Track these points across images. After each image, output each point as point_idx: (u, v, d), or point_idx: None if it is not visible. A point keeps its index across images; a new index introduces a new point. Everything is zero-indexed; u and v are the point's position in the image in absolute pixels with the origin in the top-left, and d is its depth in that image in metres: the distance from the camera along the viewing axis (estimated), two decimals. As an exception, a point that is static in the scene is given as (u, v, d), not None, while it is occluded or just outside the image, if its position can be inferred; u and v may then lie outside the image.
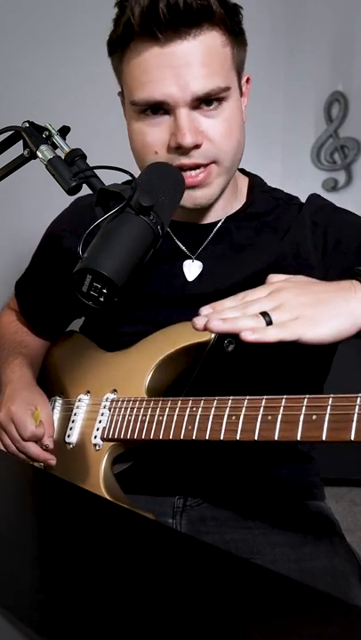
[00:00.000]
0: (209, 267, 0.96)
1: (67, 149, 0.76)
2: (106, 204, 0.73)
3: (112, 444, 0.93)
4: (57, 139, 0.77)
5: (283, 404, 0.73)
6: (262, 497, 1.01)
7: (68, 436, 1.00)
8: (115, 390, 0.96)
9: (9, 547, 0.55)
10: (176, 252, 0.98)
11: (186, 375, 0.92)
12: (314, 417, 0.69)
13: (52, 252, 1.11)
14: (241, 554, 0.94)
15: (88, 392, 1.01)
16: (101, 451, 0.93)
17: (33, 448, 0.96)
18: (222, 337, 0.88)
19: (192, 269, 0.97)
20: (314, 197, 1.01)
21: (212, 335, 0.88)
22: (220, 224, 0.96)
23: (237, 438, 0.76)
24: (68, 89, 1.98)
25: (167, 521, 1.00)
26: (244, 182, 1.01)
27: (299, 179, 2.45)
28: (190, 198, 0.89)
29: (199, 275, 0.96)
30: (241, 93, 0.91)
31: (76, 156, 0.75)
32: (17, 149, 0.80)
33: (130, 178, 0.73)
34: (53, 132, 0.77)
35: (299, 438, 0.70)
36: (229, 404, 0.79)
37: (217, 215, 0.96)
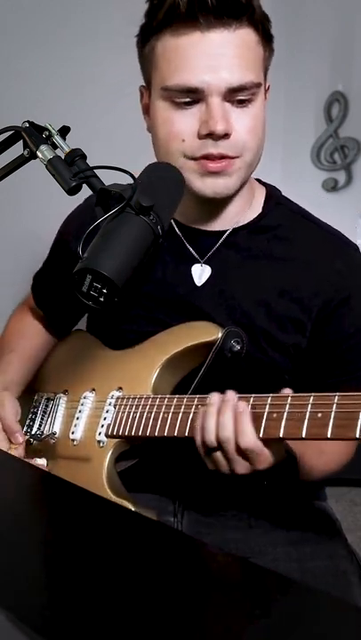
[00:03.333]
0: (218, 272, 0.96)
1: (67, 149, 0.76)
2: (106, 204, 0.73)
3: (116, 440, 0.93)
4: (57, 139, 0.77)
5: (288, 401, 0.73)
6: (263, 496, 1.01)
7: (73, 433, 1.00)
8: (120, 388, 0.97)
9: (10, 547, 0.55)
10: (185, 256, 0.97)
11: (192, 375, 0.92)
12: (319, 415, 0.70)
13: (66, 248, 1.10)
14: (241, 553, 0.95)
15: (93, 390, 1.01)
16: (105, 447, 0.93)
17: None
18: (229, 336, 0.89)
19: (201, 274, 0.96)
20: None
21: (220, 334, 0.88)
22: (229, 232, 0.96)
23: None
24: (68, 89, 1.98)
25: (168, 520, 1.00)
26: (260, 192, 1.00)
27: (299, 179, 2.44)
28: (211, 185, 0.88)
29: (208, 279, 0.96)
30: (265, 96, 0.91)
31: (76, 155, 0.75)
32: (17, 149, 0.80)
33: (130, 178, 0.73)
34: (53, 132, 0.77)
35: (304, 436, 0.71)
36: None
37: (228, 221, 0.96)
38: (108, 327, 1.06)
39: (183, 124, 0.86)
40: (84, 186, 0.75)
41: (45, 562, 0.53)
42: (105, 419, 0.95)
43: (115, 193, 0.71)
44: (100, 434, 0.95)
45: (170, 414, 0.85)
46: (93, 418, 0.98)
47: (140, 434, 0.88)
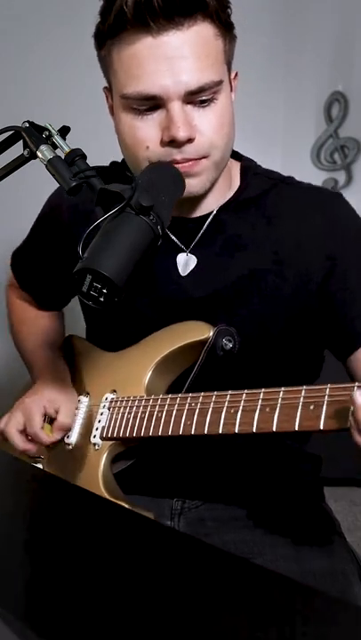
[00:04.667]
0: (203, 261, 0.94)
1: (67, 149, 0.76)
2: (106, 204, 0.73)
3: (111, 443, 0.93)
4: (57, 139, 0.77)
5: (281, 395, 0.73)
6: (262, 497, 1.01)
7: (68, 437, 1.00)
8: (114, 391, 0.97)
9: (8, 547, 0.55)
10: (169, 246, 0.96)
11: (185, 375, 0.92)
12: (311, 407, 0.70)
13: (50, 226, 1.09)
14: (240, 554, 0.94)
15: (88, 394, 1.01)
16: (100, 450, 0.93)
17: (16, 439, 0.97)
18: (221, 334, 0.88)
19: (186, 263, 0.95)
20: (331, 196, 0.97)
21: (211, 333, 0.88)
22: (212, 216, 0.94)
23: (236, 431, 0.77)
24: (68, 89, 1.98)
25: (165, 523, 1.00)
26: (236, 167, 0.98)
27: (299, 178, 2.44)
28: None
29: (193, 269, 0.95)
30: (231, 88, 0.89)
31: (76, 156, 0.75)
32: (17, 149, 0.80)
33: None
34: (53, 132, 0.77)
35: (297, 428, 0.71)
36: (228, 398, 0.79)
37: (209, 207, 0.94)
38: (102, 329, 1.06)
39: (145, 132, 0.84)
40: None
41: (45, 563, 0.53)
42: (99, 421, 0.95)
43: (115, 193, 0.71)
44: (94, 437, 0.95)
45: (163, 413, 0.85)
46: (88, 421, 0.98)
47: (134, 434, 0.88)
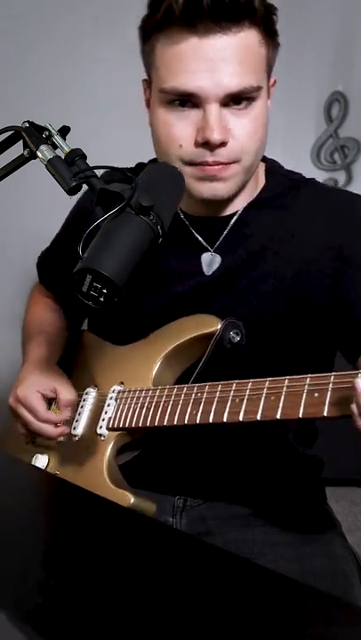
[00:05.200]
0: (227, 260, 0.95)
1: (67, 149, 0.76)
2: (106, 204, 0.72)
3: (117, 433, 0.94)
4: (57, 139, 0.77)
5: (286, 383, 0.74)
6: (264, 498, 1.01)
7: (74, 429, 1.00)
8: (122, 383, 0.97)
9: (10, 547, 0.55)
10: (194, 245, 0.96)
11: (193, 367, 0.92)
12: (316, 394, 0.71)
13: (77, 229, 1.08)
14: (241, 553, 0.94)
15: (95, 386, 1.02)
16: (106, 440, 0.94)
17: (48, 430, 0.96)
18: (228, 327, 0.89)
19: (210, 262, 0.96)
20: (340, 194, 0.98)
21: (218, 326, 0.89)
22: (237, 216, 0.95)
23: (240, 419, 0.77)
24: (68, 89, 1.98)
25: (167, 520, 1.00)
26: (261, 168, 0.98)
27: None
28: (211, 189, 0.87)
29: (217, 268, 0.95)
30: (268, 95, 0.90)
31: (76, 156, 0.75)
32: (17, 149, 0.80)
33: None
34: (53, 132, 0.77)
35: (301, 415, 0.71)
36: (234, 387, 0.80)
37: (235, 207, 0.95)
38: (114, 323, 1.05)
39: (180, 130, 0.85)
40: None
41: (45, 562, 0.53)
42: (106, 412, 0.96)
43: (115, 193, 0.71)
44: (100, 427, 0.95)
45: (170, 403, 0.86)
46: (95, 413, 0.99)
47: (140, 424, 0.89)
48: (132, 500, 0.87)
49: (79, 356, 1.11)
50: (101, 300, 0.69)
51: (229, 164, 0.85)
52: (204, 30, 0.79)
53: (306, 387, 0.72)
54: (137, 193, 0.70)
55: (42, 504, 0.68)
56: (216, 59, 0.80)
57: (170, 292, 0.97)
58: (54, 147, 0.76)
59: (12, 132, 0.80)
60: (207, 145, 0.83)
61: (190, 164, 0.86)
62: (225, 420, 0.79)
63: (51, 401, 0.99)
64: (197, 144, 0.84)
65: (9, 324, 2.04)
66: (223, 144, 0.83)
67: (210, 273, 0.95)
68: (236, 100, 0.83)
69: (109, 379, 1.00)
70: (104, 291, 0.69)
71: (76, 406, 1.01)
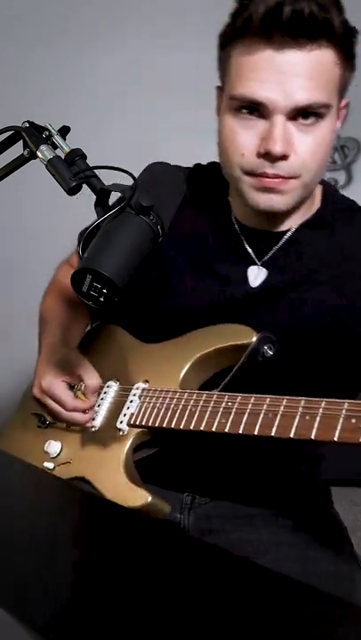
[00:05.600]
0: (274, 275, 0.95)
1: (67, 149, 0.76)
2: (106, 204, 0.73)
3: (138, 430, 0.94)
4: (57, 139, 0.77)
5: (323, 405, 0.75)
6: (271, 499, 1.01)
7: (93, 419, 1.00)
8: (147, 381, 0.98)
9: (11, 548, 0.55)
10: (243, 256, 0.97)
11: (220, 375, 0.92)
12: (353, 420, 0.71)
13: None
14: (245, 553, 0.95)
15: (117, 380, 1.02)
16: (126, 436, 0.94)
17: (77, 418, 0.95)
18: (263, 341, 0.89)
19: (257, 275, 0.96)
20: None
21: (254, 338, 0.89)
22: (290, 233, 0.95)
23: (272, 434, 0.77)
24: (68, 89, 1.98)
25: (176, 516, 1.01)
26: (318, 189, 0.99)
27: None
28: (268, 201, 0.87)
29: (262, 282, 0.95)
30: (338, 116, 0.90)
31: (76, 156, 0.75)
32: (17, 149, 0.80)
33: (130, 178, 0.73)
34: (53, 132, 0.77)
35: (336, 439, 0.72)
36: (267, 402, 0.80)
37: (289, 224, 0.95)
38: (145, 319, 1.05)
39: (244, 139, 0.85)
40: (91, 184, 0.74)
41: (45, 562, 0.53)
42: (128, 408, 0.96)
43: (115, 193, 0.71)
44: (121, 422, 0.95)
45: (198, 408, 0.86)
46: (115, 406, 0.99)
47: (164, 425, 0.89)
48: (150, 498, 0.87)
49: (99, 346, 1.10)
50: (101, 299, 0.70)
51: (289, 178, 0.85)
52: (280, 43, 0.79)
53: (344, 411, 0.72)
54: (137, 193, 0.70)
55: (42, 504, 0.68)
56: (288, 72, 0.80)
57: (209, 297, 0.97)
58: (54, 147, 0.77)
59: (12, 132, 0.80)
60: (268, 156, 0.83)
61: (250, 173, 0.86)
62: (256, 432, 0.79)
63: (72, 386, 0.99)
64: (259, 154, 0.84)
65: (8, 323, 2.04)
66: (284, 157, 0.83)
67: (255, 285, 0.95)
68: (303, 114, 0.83)
69: (133, 374, 1.00)
70: (104, 291, 0.69)
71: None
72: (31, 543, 0.57)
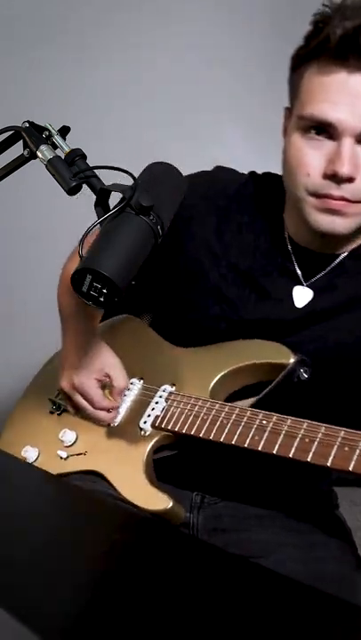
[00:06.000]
0: (319, 298, 0.95)
1: (67, 149, 0.76)
2: (106, 204, 0.73)
3: (162, 433, 0.94)
4: (57, 139, 0.77)
5: None
6: (279, 501, 1.02)
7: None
8: (174, 384, 0.97)
9: (11, 548, 0.55)
10: (291, 275, 0.97)
11: (246, 388, 0.93)
12: None
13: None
14: (253, 552, 0.96)
15: (141, 378, 1.02)
16: (149, 437, 0.95)
17: (102, 416, 0.96)
18: (300, 364, 0.90)
19: (302, 296, 0.96)
20: None
21: (292, 360, 0.89)
22: (341, 258, 0.95)
23: (308, 460, 0.79)
24: (68, 89, 1.98)
25: (185, 515, 1.01)
26: None
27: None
28: (330, 223, 0.87)
29: (308, 304, 0.95)
30: None
31: (76, 156, 0.75)
32: (17, 149, 0.80)
33: (130, 178, 0.73)
34: (53, 132, 0.77)
35: None
36: (305, 426, 0.81)
37: (341, 248, 0.95)
38: (184, 322, 1.04)
39: (311, 159, 0.85)
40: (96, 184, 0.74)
41: (46, 562, 0.53)
42: (153, 409, 0.96)
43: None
44: (144, 423, 0.95)
45: (230, 421, 0.87)
46: (137, 405, 0.99)
47: (192, 432, 0.89)
48: (171, 504, 0.88)
49: (123, 340, 1.10)
50: (101, 300, 0.70)
51: (353, 202, 0.85)
52: (355, 66, 0.80)
53: None
54: (137, 193, 0.70)
55: (43, 504, 0.68)
56: (360, 95, 0.81)
57: (251, 310, 0.97)
58: (54, 147, 0.77)
59: (12, 132, 0.80)
60: (335, 178, 0.83)
61: (314, 194, 0.86)
62: (291, 455, 0.80)
63: (103, 385, 0.99)
64: (325, 176, 0.84)
65: (9, 323, 2.04)
66: (351, 180, 0.83)
67: (299, 306, 0.95)
68: None
69: (159, 375, 1.00)
70: (104, 291, 0.69)
71: None
72: (31, 543, 0.57)
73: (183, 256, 1.01)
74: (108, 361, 0.99)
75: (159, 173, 0.80)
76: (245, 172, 1.06)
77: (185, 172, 0.86)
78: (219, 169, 1.08)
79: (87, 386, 0.97)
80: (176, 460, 0.99)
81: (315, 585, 0.44)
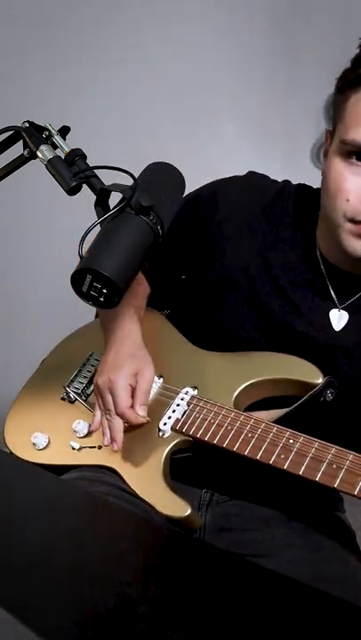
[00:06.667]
0: (356, 321, 0.96)
1: (67, 149, 0.76)
2: (106, 204, 0.73)
3: (182, 437, 0.93)
4: (57, 139, 0.77)
5: None
6: (287, 503, 1.02)
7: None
8: (196, 387, 0.97)
9: (11, 548, 0.55)
10: (325, 297, 0.97)
11: (265, 401, 0.94)
12: None
13: (195, 211, 1.05)
14: (257, 552, 0.97)
15: (161, 376, 1.01)
16: (167, 439, 0.94)
17: (116, 423, 0.94)
18: (328, 385, 0.90)
19: (339, 319, 0.96)
20: None
21: (321, 380, 0.90)
22: None
23: (335, 486, 0.80)
24: (68, 89, 1.98)
25: (201, 522, 1.01)
26: None
27: (299, 179, 2.44)
28: None
29: (345, 326, 0.96)
30: None
31: (76, 156, 0.75)
32: (17, 149, 0.80)
33: (130, 178, 0.73)
34: (53, 132, 0.77)
35: None
36: (333, 452, 0.82)
37: None
38: (215, 326, 1.03)
39: (351, 184, 0.85)
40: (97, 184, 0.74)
41: (46, 562, 0.53)
42: (174, 411, 0.95)
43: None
44: (164, 424, 0.95)
45: (255, 435, 0.87)
46: (156, 404, 0.98)
47: (215, 442, 0.89)
48: (189, 511, 0.87)
49: (145, 335, 1.06)
50: (101, 300, 0.69)
51: None
52: None
53: None
54: (137, 193, 0.70)
55: (43, 504, 0.68)
56: None
57: (286, 325, 0.97)
58: (54, 147, 0.77)
59: (12, 132, 0.80)
60: None
61: (352, 220, 0.86)
62: (317, 479, 0.81)
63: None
64: None
65: (9, 323, 2.04)
66: None
67: (339, 329, 0.96)
68: None
69: (181, 376, 0.99)
70: (104, 291, 0.69)
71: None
72: (31, 543, 0.57)
73: (223, 260, 1.00)
74: (141, 361, 0.97)
75: (159, 173, 0.80)
76: (277, 179, 1.08)
77: (185, 172, 0.86)
78: (252, 174, 1.08)
79: (119, 388, 0.94)
80: (187, 457, 0.99)
81: (319, 586, 0.44)
